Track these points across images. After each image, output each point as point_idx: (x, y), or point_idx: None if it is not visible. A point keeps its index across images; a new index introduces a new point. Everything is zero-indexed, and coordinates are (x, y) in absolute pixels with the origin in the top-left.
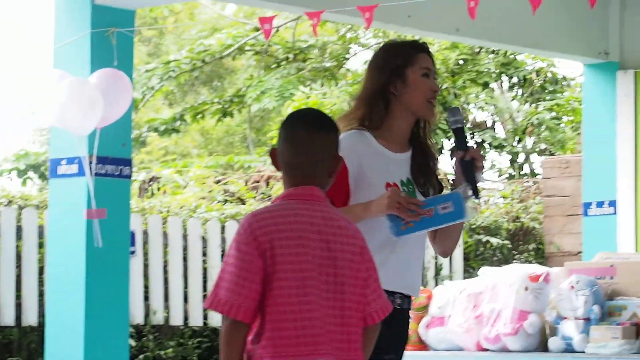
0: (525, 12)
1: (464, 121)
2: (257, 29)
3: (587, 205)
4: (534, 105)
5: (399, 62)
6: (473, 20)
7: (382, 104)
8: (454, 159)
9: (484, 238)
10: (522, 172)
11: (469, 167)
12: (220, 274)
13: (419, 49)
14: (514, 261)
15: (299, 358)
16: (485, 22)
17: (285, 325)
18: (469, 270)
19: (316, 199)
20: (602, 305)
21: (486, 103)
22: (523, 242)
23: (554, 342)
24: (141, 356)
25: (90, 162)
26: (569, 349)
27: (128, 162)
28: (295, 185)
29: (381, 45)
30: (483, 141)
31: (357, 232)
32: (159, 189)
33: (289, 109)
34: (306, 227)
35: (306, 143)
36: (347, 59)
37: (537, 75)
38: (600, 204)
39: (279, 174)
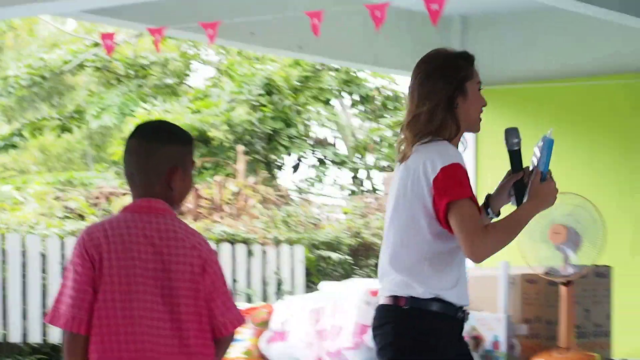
0: (368, 30)
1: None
2: (97, 45)
3: None
4: (374, 122)
5: (462, 74)
6: (317, 37)
7: (451, 117)
8: (510, 180)
9: (325, 253)
10: (363, 189)
11: (522, 188)
12: (60, 288)
13: (473, 61)
14: (355, 276)
15: None
16: (327, 39)
17: (107, 338)
18: (310, 286)
19: (154, 210)
20: None
21: (328, 120)
22: (364, 257)
23: None
24: None
25: None
26: None
27: None
28: (136, 197)
29: (432, 53)
30: (325, 157)
31: (202, 244)
32: None
33: (129, 125)
34: (138, 239)
35: (137, 153)
36: (188, 75)
37: (378, 93)
38: None
39: (121, 190)
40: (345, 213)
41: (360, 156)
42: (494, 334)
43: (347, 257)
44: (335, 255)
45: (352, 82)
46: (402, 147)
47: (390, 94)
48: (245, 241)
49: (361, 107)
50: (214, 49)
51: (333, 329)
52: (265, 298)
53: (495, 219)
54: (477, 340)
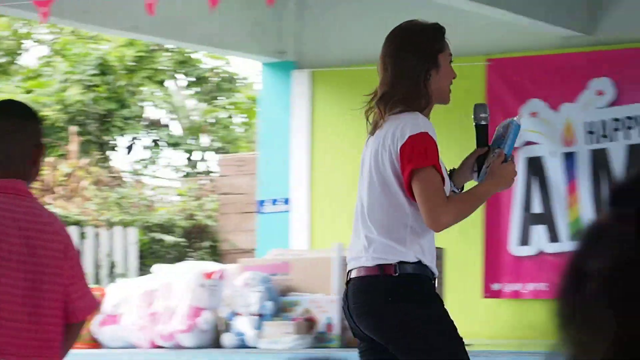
0: (203, 10)
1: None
2: None
3: (262, 203)
4: (209, 104)
5: (436, 47)
6: (151, 16)
7: (423, 89)
8: (474, 155)
9: (159, 236)
10: (197, 170)
11: (482, 162)
12: None
13: (444, 33)
14: (189, 259)
15: None
16: (162, 19)
17: None
18: (143, 269)
19: (20, 192)
20: (275, 301)
21: (163, 101)
22: (198, 240)
23: (227, 338)
24: None
25: None
26: (242, 345)
27: None
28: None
29: (406, 25)
30: (159, 139)
31: (63, 229)
32: None
33: None
34: (5, 221)
35: None
36: (20, 54)
37: (213, 74)
38: (274, 202)
39: None
40: (180, 195)
41: (194, 138)
42: (327, 315)
43: (180, 239)
44: (169, 238)
45: (187, 63)
46: (373, 118)
47: (226, 75)
48: (78, 223)
49: (196, 88)
50: (48, 27)
51: (166, 311)
52: (97, 281)
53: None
54: (310, 322)
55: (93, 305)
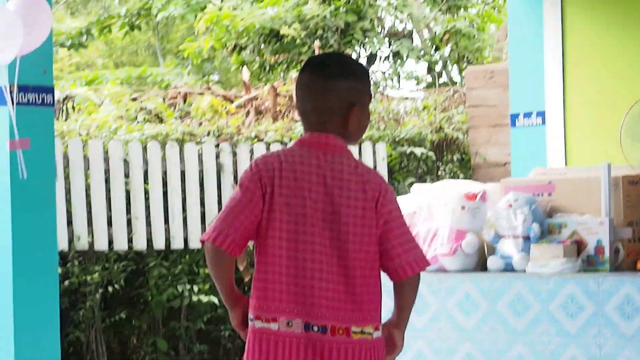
0: None
1: None
2: None
3: (515, 116)
4: (449, 12)
5: None
6: None
7: None
8: None
9: (408, 150)
10: (440, 82)
11: None
12: (223, 209)
13: None
14: (439, 173)
15: (282, 315)
16: None
17: (270, 277)
18: (394, 184)
19: (331, 148)
20: (541, 223)
21: (401, 12)
22: (448, 153)
23: (493, 261)
24: (66, 282)
25: (11, 91)
26: (508, 268)
27: (50, 90)
28: (310, 132)
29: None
30: (399, 51)
31: (375, 184)
32: (73, 108)
33: (200, 22)
34: (311, 177)
35: (311, 89)
36: None
37: None
38: (528, 115)
39: (197, 90)
40: (426, 107)
41: (435, 47)
42: (597, 238)
43: (430, 153)
44: (418, 151)
45: None
46: None
47: None
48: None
49: None
50: None
51: (427, 234)
52: None
53: None
54: (579, 245)
55: (417, 260)
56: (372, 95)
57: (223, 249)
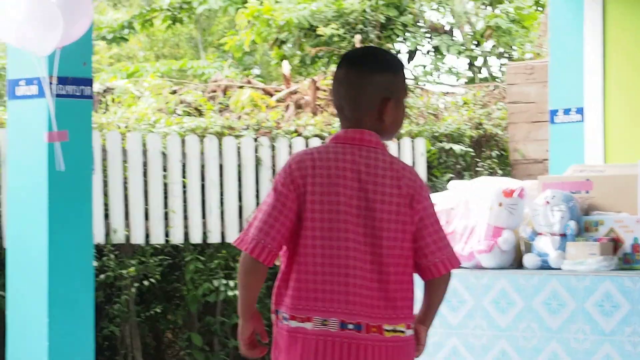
0: None
1: None
2: None
3: (554, 112)
4: (490, 6)
5: None
6: None
7: None
8: None
9: (447, 146)
10: (480, 77)
11: None
12: (256, 212)
13: None
14: (478, 169)
15: (317, 313)
16: None
17: (303, 277)
18: (432, 179)
19: (366, 143)
20: (578, 220)
21: (441, 6)
22: (487, 149)
23: (529, 259)
24: (102, 276)
25: (51, 83)
26: (544, 266)
27: (89, 82)
28: (345, 128)
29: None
30: (440, 46)
31: (411, 180)
32: (113, 100)
33: (241, 16)
34: (345, 173)
35: (347, 83)
36: None
37: None
38: (567, 111)
39: (237, 83)
40: (465, 103)
41: (477, 43)
42: (634, 236)
43: (469, 149)
44: (457, 147)
45: None
46: None
47: None
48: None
49: None
50: None
51: (464, 231)
52: None
53: None
54: (616, 242)
55: (450, 259)
56: (409, 90)
57: (260, 260)
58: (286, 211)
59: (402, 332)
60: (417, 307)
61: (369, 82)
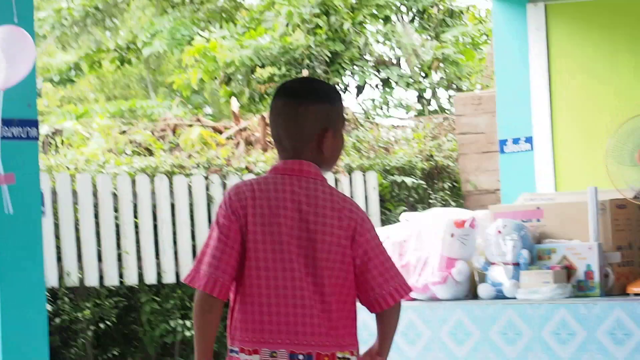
0: None
1: None
2: None
3: (503, 142)
4: (436, 39)
5: None
6: None
7: None
8: None
9: (399, 179)
10: (430, 109)
11: None
12: (203, 248)
13: None
14: (430, 201)
15: (265, 345)
16: None
17: (249, 308)
18: (385, 213)
19: (305, 174)
20: (530, 249)
21: (388, 39)
22: (438, 181)
23: (483, 289)
24: (57, 320)
25: None
26: (499, 296)
27: (34, 123)
28: (284, 159)
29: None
30: (388, 78)
31: (352, 212)
32: (62, 142)
33: (187, 57)
34: (285, 204)
35: (285, 114)
36: None
37: (437, 9)
38: (516, 141)
39: (186, 121)
40: (415, 135)
41: (425, 75)
42: (586, 263)
43: (421, 181)
44: (409, 180)
45: None
46: None
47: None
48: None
49: (420, 22)
50: None
51: (418, 263)
52: None
53: None
54: (569, 270)
55: (398, 289)
56: (347, 120)
57: (215, 295)
58: (231, 243)
59: (348, 359)
60: (373, 338)
61: (307, 112)
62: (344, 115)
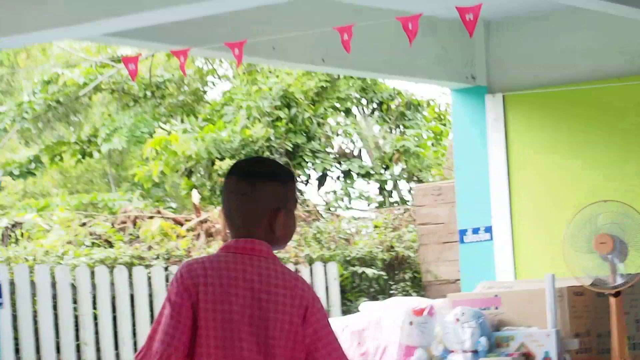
0: (392, 40)
1: None
2: (110, 65)
3: (463, 232)
4: (397, 131)
5: None
6: (348, 53)
7: None
8: None
9: (360, 269)
10: (391, 200)
11: None
12: (154, 325)
13: None
14: (392, 292)
15: None
16: (352, 51)
17: None
18: (347, 304)
19: (257, 253)
20: (489, 336)
21: (349, 132)
22: (399, 272)
23: None
24: None
25: None
26: None
27: None
28: (236, 237)
29: None
30: (349, 170)
31: (303, 291)
32: (22, 234)
33: (148, 149)
34: (237, 282)
35: (236, 193)
36: (205, 91)
37: (397, 102)
38: (476, 231)
39: (147, 213)
40: (376, 227)
41: (385, 167)
42: (545, 350)
43: (381, 272)
44: (370, 271)
45: (370, 89)
46: None
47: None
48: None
49: (379, 115)
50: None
51: (377, 351)
52: None
53: None
54: (528, 357)
55: None
56: (298, 201)
57: None
58: (183, 319)
59: None
60: None
61: (259, 192)
62: (296, 195)
